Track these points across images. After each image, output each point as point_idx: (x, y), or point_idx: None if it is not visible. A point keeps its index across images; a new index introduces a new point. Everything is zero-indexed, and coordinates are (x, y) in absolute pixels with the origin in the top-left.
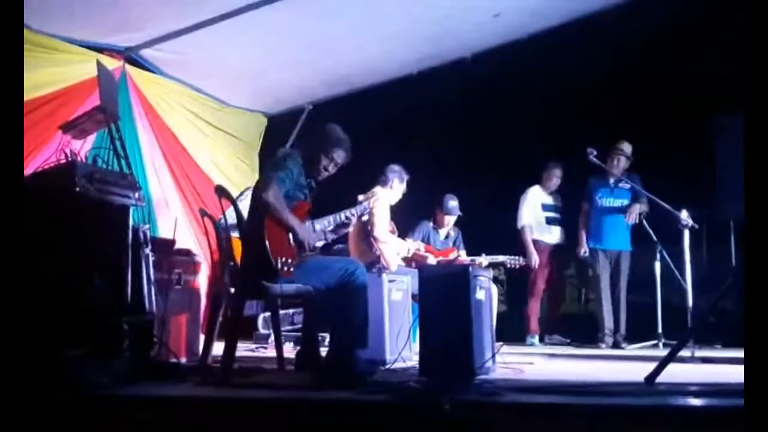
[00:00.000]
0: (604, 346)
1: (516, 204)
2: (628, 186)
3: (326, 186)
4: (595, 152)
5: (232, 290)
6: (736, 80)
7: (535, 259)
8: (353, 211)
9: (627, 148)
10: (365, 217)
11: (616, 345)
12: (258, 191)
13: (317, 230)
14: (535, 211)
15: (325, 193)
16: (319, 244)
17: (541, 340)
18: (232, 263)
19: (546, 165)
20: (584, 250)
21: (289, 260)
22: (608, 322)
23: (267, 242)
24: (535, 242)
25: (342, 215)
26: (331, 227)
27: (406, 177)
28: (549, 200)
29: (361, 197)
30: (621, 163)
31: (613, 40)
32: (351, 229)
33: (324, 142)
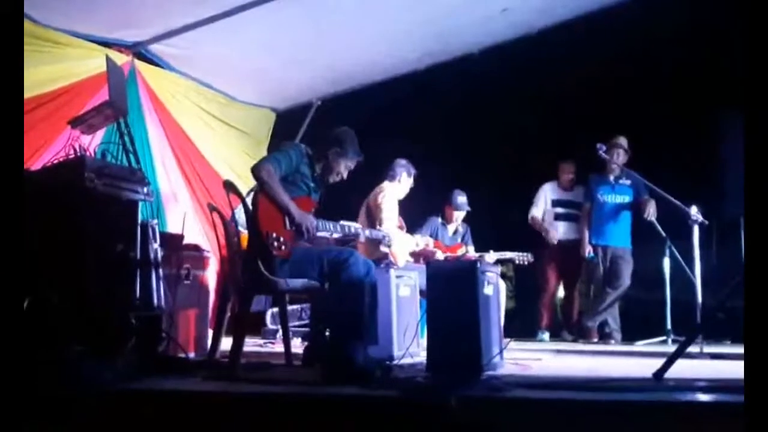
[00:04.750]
0: (612, 342)
1: (524, 199)
2: (628, 182)
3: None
4: (604, 147)
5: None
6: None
7: (552, 235)
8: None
9: (624, 141)
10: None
11: (606, 336)
12: (252, 169)
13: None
14: (545, 207)
15: (330, 192)
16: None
17: (555, 335)
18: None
19: (559, 162)
20: (588, 250)
21: (283, 239)
22: (614, 318)
23: (259, 217)
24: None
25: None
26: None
27: (413, 171)
28: (561, 196)
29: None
30: (620, 158)
31: (621, 36)
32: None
33: (344, 152)
